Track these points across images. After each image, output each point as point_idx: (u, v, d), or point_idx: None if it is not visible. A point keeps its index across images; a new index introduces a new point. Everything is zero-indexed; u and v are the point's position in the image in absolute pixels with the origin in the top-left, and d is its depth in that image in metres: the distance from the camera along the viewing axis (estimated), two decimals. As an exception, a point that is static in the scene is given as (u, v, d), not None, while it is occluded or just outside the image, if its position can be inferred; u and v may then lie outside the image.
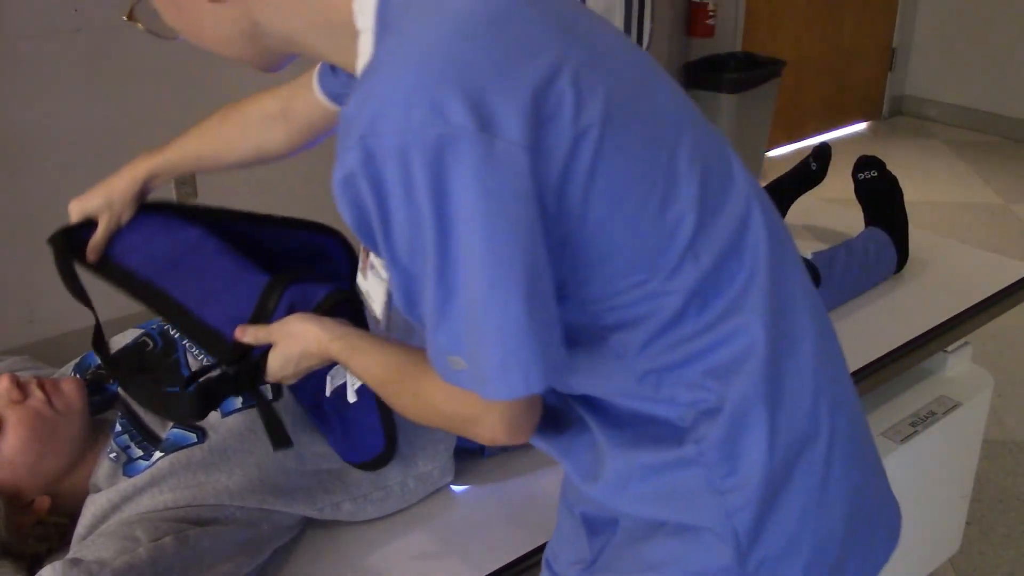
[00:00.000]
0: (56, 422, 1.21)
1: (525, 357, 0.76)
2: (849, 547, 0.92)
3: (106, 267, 1.29)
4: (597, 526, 0.99)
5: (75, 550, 1.12)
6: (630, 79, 0.83)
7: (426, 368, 0.86)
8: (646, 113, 0.82)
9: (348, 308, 1.19)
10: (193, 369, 1.31)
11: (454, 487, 1.34)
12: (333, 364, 1.08)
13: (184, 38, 0.93)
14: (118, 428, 1.27)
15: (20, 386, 1.21)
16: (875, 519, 0.96)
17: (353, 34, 0.84)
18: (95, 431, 1.28)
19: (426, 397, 0.90)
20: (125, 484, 1.19)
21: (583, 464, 0.94)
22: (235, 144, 1.26)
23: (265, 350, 1.09)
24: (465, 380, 0.80)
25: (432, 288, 0.76)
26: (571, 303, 0.83)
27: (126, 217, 1.30)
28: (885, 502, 0.99)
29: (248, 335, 1.10)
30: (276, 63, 0.96)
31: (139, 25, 0.96)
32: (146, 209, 1.32)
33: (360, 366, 0.98)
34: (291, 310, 1.18)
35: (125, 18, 0.96)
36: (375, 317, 1.02)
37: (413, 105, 0.72)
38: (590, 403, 0.92)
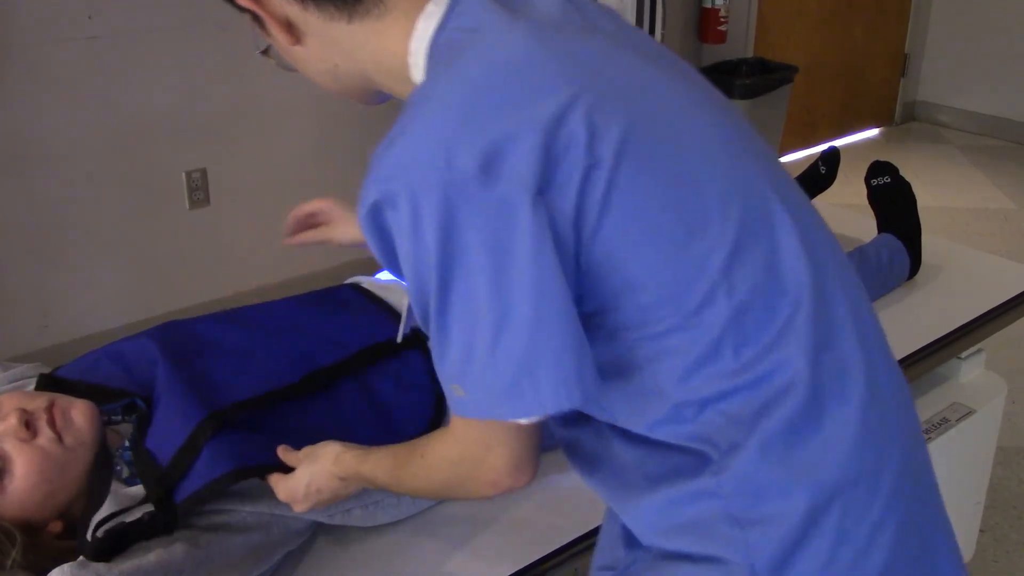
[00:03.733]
0: (65, 460, 1.18)
1: (539, 377, 0.79)
2: None
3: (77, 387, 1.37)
4: (636, 540, 0.97)
5: (87, 554, 1.12)
6: (661, 116, 0.84)
7: (430, 436, 0.97)
8: (673, 147, 0.83)
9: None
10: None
11: (465, 493, 1.34)
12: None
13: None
14: (126, 444, 1.27)
15: (28, 424, 1.17)
16: (923, 564, 0.90)
17: (413, 83, 0.88)
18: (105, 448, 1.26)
19: (431, 452, 0.95)
20: (136, 488, 1.19)
21: (616, 498, 0.95)
22: None
23: (191, 496, 1.14)
24: (466, 408, 0.83)
25: (434, 317, 0.80)
26: (604, 333, 0.84)
27: None
28: (937, 546, 0.92)
29: (287, 455, 1.17)
30: (372, 98, 0.99)
31: (273, 60, 1.01)
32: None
33: (372, 465, 1.06)
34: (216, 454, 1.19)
35: (260, 54, 0.99)
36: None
37: (424, 151, 0.77)
38: (627, 438, 0.90)
